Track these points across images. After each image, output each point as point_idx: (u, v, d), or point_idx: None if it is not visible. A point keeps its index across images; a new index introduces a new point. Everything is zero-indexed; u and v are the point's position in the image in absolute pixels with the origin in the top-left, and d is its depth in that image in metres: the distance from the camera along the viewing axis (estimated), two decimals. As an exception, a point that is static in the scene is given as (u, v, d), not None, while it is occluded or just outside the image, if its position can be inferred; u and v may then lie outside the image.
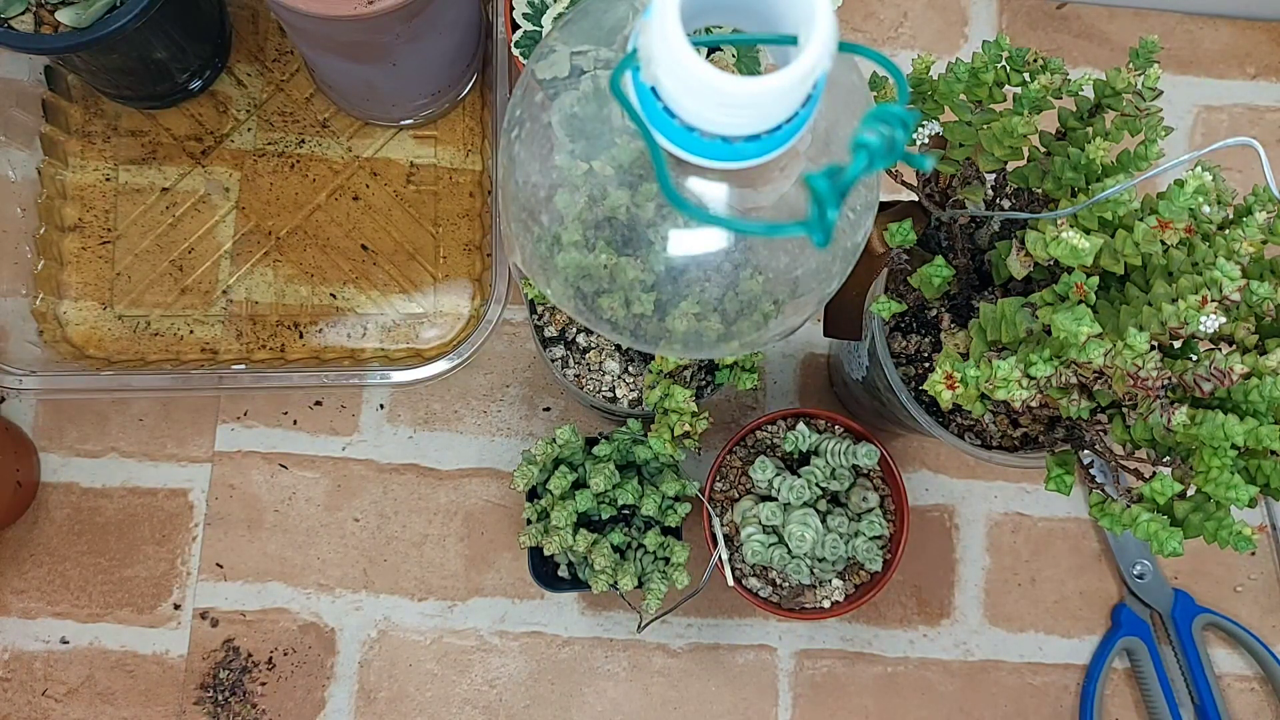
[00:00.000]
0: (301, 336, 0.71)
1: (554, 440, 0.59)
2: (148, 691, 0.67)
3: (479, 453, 0.70)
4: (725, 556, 0.60)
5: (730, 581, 0.60)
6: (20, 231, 0.70)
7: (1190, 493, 0.43)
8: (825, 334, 0.57)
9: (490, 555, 0.69)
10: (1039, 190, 0.49)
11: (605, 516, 0.60)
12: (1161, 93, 0.46)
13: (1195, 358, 0.42)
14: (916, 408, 0.53)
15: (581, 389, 0.59)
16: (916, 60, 0.48)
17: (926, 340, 0.57)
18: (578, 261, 0.35)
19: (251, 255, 0.72)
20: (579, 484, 0.60)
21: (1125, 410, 0.45)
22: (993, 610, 0.70)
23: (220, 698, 0.67)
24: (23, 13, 0.60)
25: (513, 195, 0.35)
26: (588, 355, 0.59)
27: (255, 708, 0.67)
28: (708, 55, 0.56)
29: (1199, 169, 0.42)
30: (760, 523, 0.58)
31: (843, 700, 0.69)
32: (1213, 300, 0.40)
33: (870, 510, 0.60)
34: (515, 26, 0.60)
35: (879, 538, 0.59)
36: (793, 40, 0.26)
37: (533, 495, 0.62)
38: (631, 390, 0.59)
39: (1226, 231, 0.44)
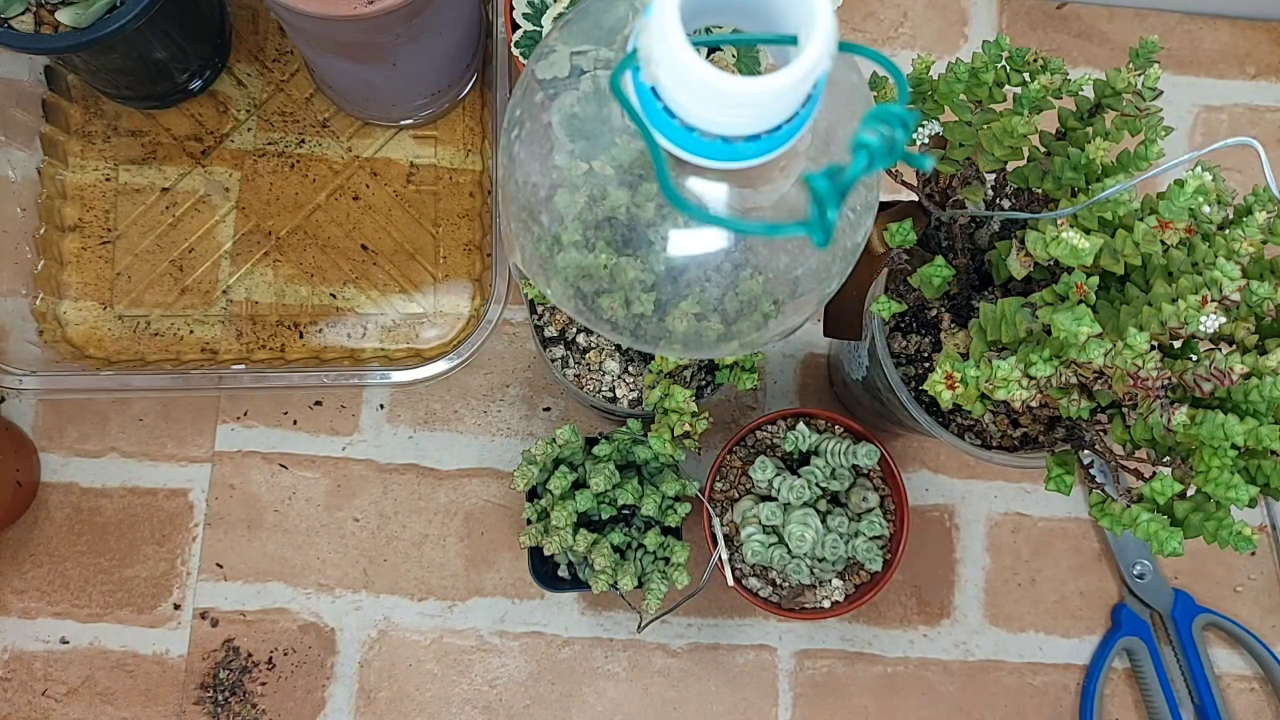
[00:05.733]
0: (301, 336, 0.71)
1: (554, 440, 0.59)
2: (148, 691, 0.67)
3: (479, 453, 0.70)
4: (725, 556, 0.60)
5: (730, 581, 0.60)
6: (20, 231, 0.70)
7: (1190, 493, 0.43)
8: (825, 334, 0.57)
9: (490, 555, 0.69)
10: (1039, 190, 0.49)
11: (605, 516, 0.60)
12: (1161, 93, 0.46)
13: (1195, 358, 0.42)
14: (916, 408, 0.53)
15: (581, 389, 0.59)
16: (916, 60, 0.48)
17: (926, 340, 0.57)
18: (578, 261, 0.35)
19: (251, 255, 0.72)
20: (579, 484, 0.60)
21: (1125, 410, 0.45)
22: (993, 610, 0.70)
23: (220, 698, 0.67)
24: (23, 13, 0.60)
25: (513, 195, 0.35)
26: (588, 355, 0.59)
27: (255, 708, 0.67)
28: (708, 55, 0.56)
29: (1199, 169, 0.42)
30: (760, 523, 0.58)
31: (843, 700, 0.69)
32: (1213, 300, 0.40)
33: (870, 510, 0.60)
34: (515, 26, 0.60)
35: (879, 538, 0.59)
36: (793, 40, 0.26)
37: (533, 495, 0.62)
38: (631, 390, 0.59)
39: (1226, 231, 0.44)
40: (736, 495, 0.62)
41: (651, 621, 0.67)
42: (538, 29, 0.60)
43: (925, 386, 0.45)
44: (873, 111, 0.25)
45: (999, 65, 0.46)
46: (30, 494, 0.68)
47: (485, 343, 0.66)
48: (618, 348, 0.60)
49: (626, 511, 0.62)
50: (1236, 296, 0.40)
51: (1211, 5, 0.78)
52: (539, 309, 0.60)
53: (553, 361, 0.59)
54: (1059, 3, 0.78)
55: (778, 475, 0.59)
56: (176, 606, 0.68)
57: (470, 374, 0.71)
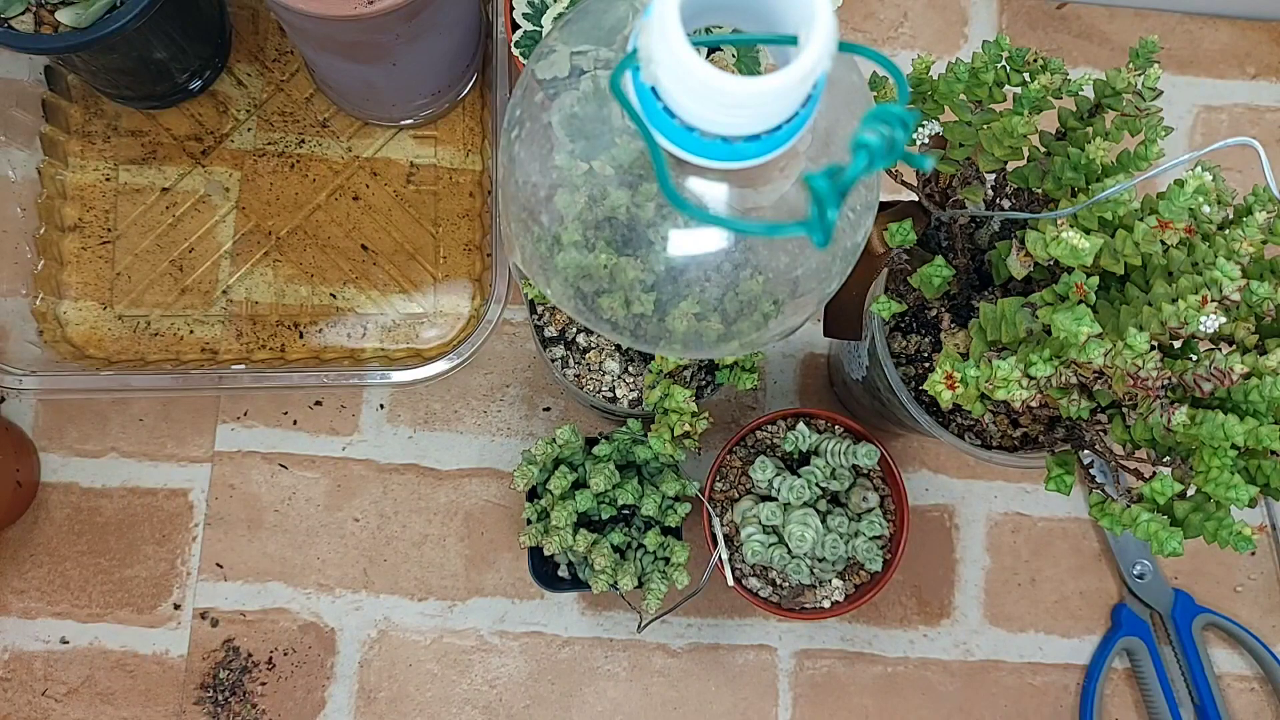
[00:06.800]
0: (301, 336, 0.71)
1: (554, 440, 0.59)
2: (148, 691, 0.67)
3: (479, 453, 0.70)
4: (725, 556, 0.60)
5: (730, 581, 0.60)
6: (20, 231, 0.70)
7: (1190, 493, 0.43)
8: (825, 334, 0.57)
9: (490, 555, 0.69)
10: (1039, 190, 0.49)
11: (605, 516, 0.60)
12: (1161, 93, 0.46)
13: (1195, 358, 0.42)
14: (916, 408, 0.53)
15: (581, 389, 0.59)
16: (916, 60, 0.48)
17: (926, 340, 0.57)
18: (578, 261, 0.35)
19: (251, 255, 0.72)
20: (579, 484, 0.60)
21: (1125, 410, 0.45)
22: (993, 610, 0.70)
23: (220, 698, 0.67)
24: (23, 13, 0.60)
25: (513, 195, 0.35)
26: (588, 355, 0.59)
27: (255, 708, 0.67)
28: (708, 55, 0.56)
29: (1199, 169, 0.42)
30: (760, 523, 0.58)
31: (843, 700, 0.69)
32: (1213, 300, 0.40)
33: (870, 510, 0.60)
34: (515, 26, 0.60)
35: (879, 538, 0.59)
36: (793, 40, 0.26)
37: (533, 495, 0.62)
38: (631, 390, 0.59)
39: (1226, 231, 0.44)
40: (736, 495, 0.62)
41: (651, 621, 0.67)
42: (538, 29, 0.60)
43: (925, 386, 0.45)
44: (873, 111, 0.25)
45: (999, 65, 0.46)
46: (30, 494, 0.68)
47: (485, 343, 0.66)
48: (618, 348, 0.60)
49: (626, 511, 0.62)
50: (1236, 296, 0.40)
51: (1211, 5, 0.78)
52: (539, 309, 0.60)
53: (553, 361, 0.59)
54: (1059, 3, 0.78)
55: (778, 475, 0.59)
56: (176, 606, 0.68)
57: (470, 374, 0.71)
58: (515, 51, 0.61)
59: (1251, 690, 0.70)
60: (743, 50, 0.56)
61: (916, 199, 0.52)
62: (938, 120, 0.48)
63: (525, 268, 0.37)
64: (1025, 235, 0.44)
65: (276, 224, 0.72)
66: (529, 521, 0.61)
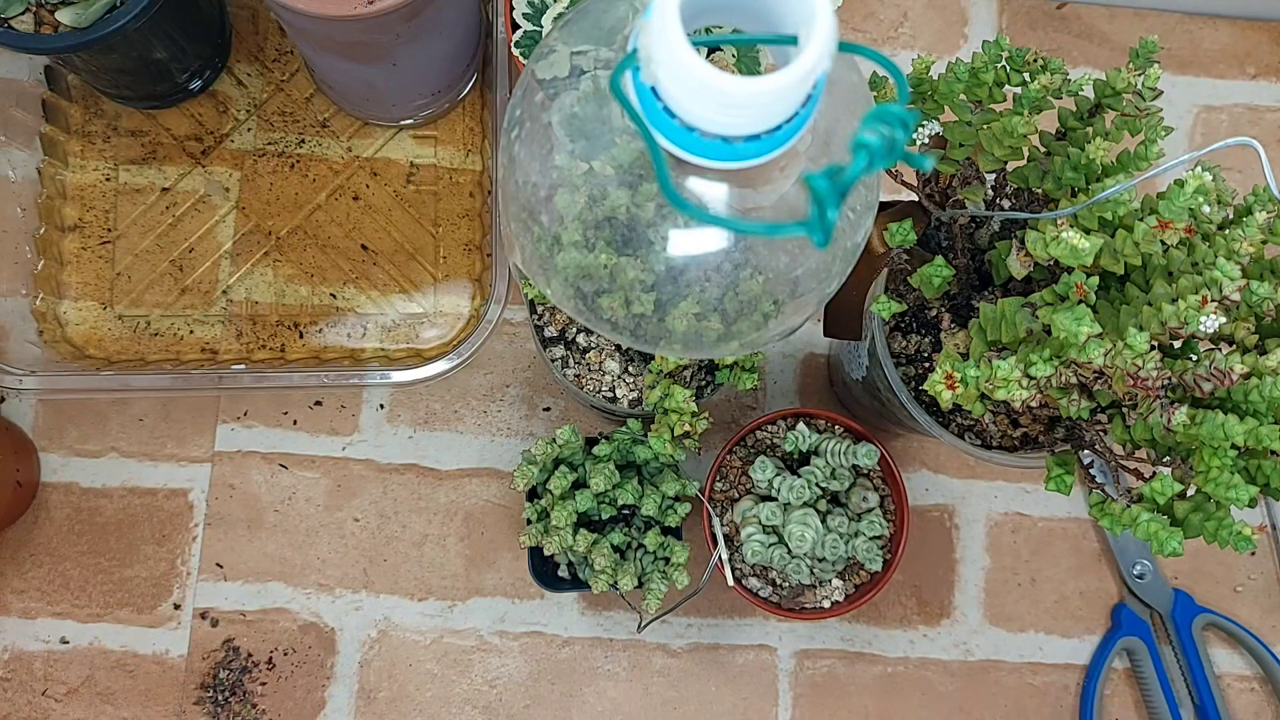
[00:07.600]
0: (301, 336, 0.71)
1: (554, 440, 0.59)
2: (148, 691, 0.67)
3: (479, 453, 0.70)
4: (725, 556, 0.60)
5: (730, 581, 0.60)
6: (20, 231, 0.70)
7: (1190, 493, 0.43)
8: (825, 334, 0.57)
9: (490, 555, 0.69)
10: (1039, 190, 0.49)
11: (605, 516, 0.60)
12: (1161, 93, 0.46)
13: (1195, 358, 0.42)
14: (916, 408, 0.53)
15: (581, 389, 0.59)
16: (916, 60, 0.48)
17: (926, 340, 0.57)
18: (578, 261, 0.35)
19: (251, 255, 0.72)
20: (579, 484, 0.60)
21: (1125, 410, 0.45)
22: (993, 610, 0.70)
23: (220, 698, 0.67)
24: (23, 13, 0.60)
25: (513, 195, 0.35)
26: (588, 355, 0.59)
27: (255, 708, 0.67)
28: (708, 55, 0.56)
29: (1199, 169, 0.42)
30: (760, 523, 0.58)
31: (843, 700, 0.69)
32: (1213, 300, 0.40)
33: (870, 510, 0.60)
34: (515, 26, 0.60)
35: (879, 538, 0.59)
36: (793, 40, 0.26)
37: (533, 495, 0.62)
38: (631, 390, 0.59)
39: (1226, 231, 0.44)
40: (736, 495, 0.62)
41: (651, 621, 0.67)
42: (538, 29, 0.60)
43: (925, 386, 0.45)
44: (873, 111, 0.25)
45: (999, 65, 0.47)
46: (30, 494, 0.68)
47: (485, 343, 0.66)
48: (618, 348, 0.60)
49: (626, 511, 0.62)
50: (1236, 296, 0.40)
51: (1211, 5, 0.78)
52: (539, 309, 0.60)
53: (553, 361, 0.59)
54: (1059, 3, 0.78)
55: (778, 475, 0.59)
56: (176, 606, 0.68)
57: (470, 374, 0.71)
58: (515, 51, 0.61)
59: (1251, 690, 0.70)
60: (743, 50, 0.56)
61: (916, 199, 0.52)
62: (938, 120, 0.48)
63: (525, 268, 0.37)
64: (1025, 235, 0.44)
65: (276, 224, 0.72)
66: (529, 521, 0.61)
